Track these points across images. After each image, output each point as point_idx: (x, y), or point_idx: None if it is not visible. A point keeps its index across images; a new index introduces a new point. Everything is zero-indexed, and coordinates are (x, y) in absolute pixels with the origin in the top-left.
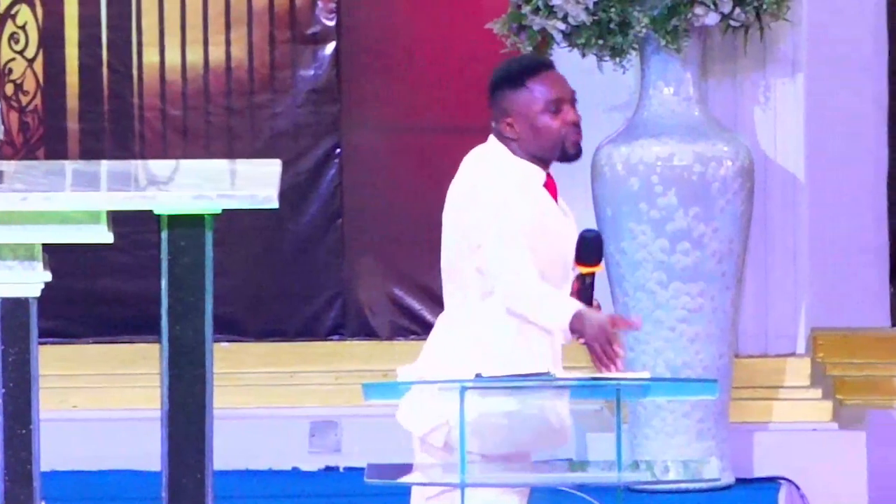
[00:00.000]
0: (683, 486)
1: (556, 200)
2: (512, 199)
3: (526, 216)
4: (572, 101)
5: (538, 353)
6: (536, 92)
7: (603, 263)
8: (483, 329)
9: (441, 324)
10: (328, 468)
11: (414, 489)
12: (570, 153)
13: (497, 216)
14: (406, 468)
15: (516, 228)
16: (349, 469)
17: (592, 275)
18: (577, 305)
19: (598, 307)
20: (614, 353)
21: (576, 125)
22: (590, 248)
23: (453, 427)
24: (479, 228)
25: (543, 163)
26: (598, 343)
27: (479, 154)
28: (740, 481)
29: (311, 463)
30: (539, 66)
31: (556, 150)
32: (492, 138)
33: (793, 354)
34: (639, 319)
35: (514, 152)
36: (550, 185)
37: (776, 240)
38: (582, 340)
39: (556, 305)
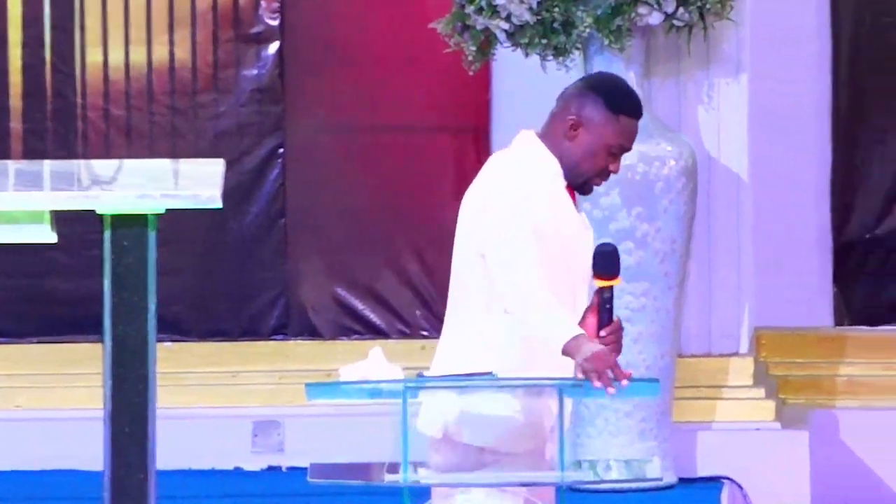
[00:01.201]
0: (626, 485)
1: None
2: (528, 201)
3: (542, 218)
4: (624, 154)
5: (544, 369)
6: (620, 129)
7: (621, 277)
8: (487, 342)
9: (445, 334)
10: (271, 468)
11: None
12: (585, 189)
13: (510, 218)
14: (348, 468)
15: (529, 232)
16: (292, 469)
17: (611, 289)
18: (579, 330)
19: (619, 323)
20: (608, 382)
21: (610, 175)
22: (607, 262)
23: (450, 421)
24: (489, 233)
25: (564, 175)
26: (593, 371)
27: (503, 154)
28: (683, 481)
29: (254, 463)
30: (638, 113)
31: (582, 177)
32: (525, 133)
33: (736, 354)
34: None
35: (552, 148)
36: (569, 191)
37: (719, 239)
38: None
39: (559, 322)
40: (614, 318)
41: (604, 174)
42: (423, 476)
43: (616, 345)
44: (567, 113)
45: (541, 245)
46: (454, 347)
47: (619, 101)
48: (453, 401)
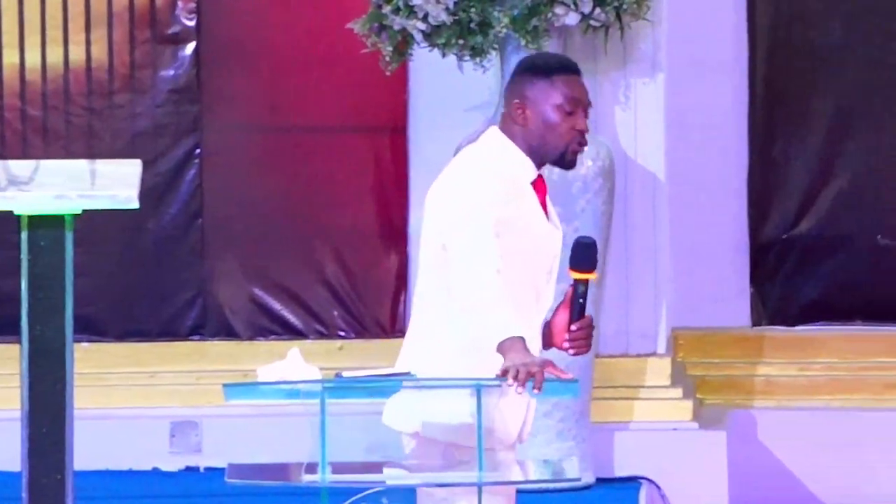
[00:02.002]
0: (544, 485)
1: (543, 204)
2: (489, 197)
3: (503, 214)
4: (586, 111)
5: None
6: (559, 88)
7: (597, 272)
8: (447, 337)
9: (411, 328)
10: (189, 468)
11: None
12: (567, 160)
13: (471, 214)
14: (267, 468)
15: (488, 228)
16: (210, 469)
17: (586, 283)
18: (517, 333)
19: (590, 320)
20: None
21: (582, 134)
22: (584, 254)
23: (424, 418)
24: (450, 228)
25: (537, 160)
26: (514, 370)
27: (470, 148)
28: (601, 481)
29: (172, 463)
30: (570, 68)
31: (555, 150)
32: (491, 129)
33: (653, 354)
34: (570, 375)
35: (513, 139)
36: (540, 186)
37: (637, 239)
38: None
39: (500, 322)
40: (587, 314)
41: (574, 138)
42: (341, 477)
43: (585, 341)
44: (511, 103)
45: (501, 241)
46: (417, 342)
47: (547, 65)
48: (427, 397)
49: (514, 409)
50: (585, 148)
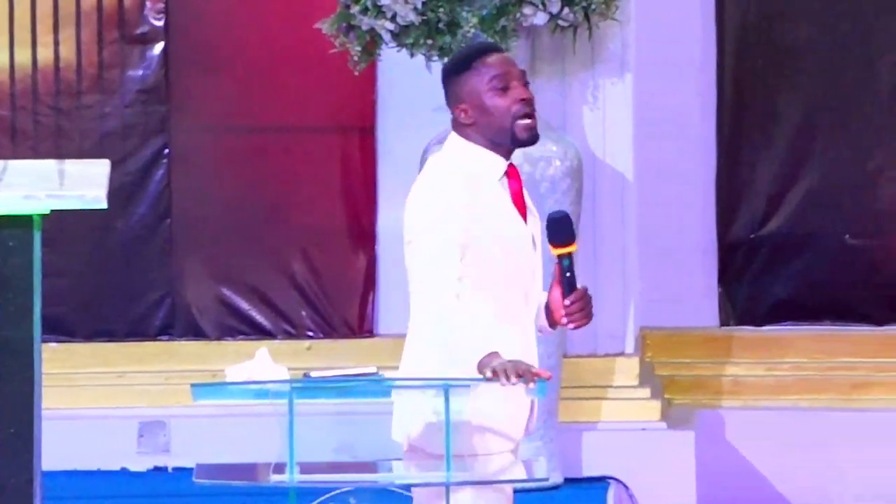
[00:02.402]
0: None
1: (518, 194)
2: (452, 213)
3: (472, 224)
4: (521, 80)
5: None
6: (482, 72)
7: (576, 244)
8: (429, 344)
9: (409, 328)
10: (157, 468)
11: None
12: (521, 138)
13: (431, 228)
14: (235, 468)
15: (450, 246)
16: (178, 469)
17: (569, 256)
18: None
19: (585, 290)
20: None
21: (526, 102)
22: (558, 228)
23: (412, 431)
24: (407, 243)
25: (503, 150)
26: (503, 370)
27: (437, 155)
28: (569, 481)
29: (140, 463)
30: (483, 48)
31: (508, 130)
32: (451, 133)
33: (621, 354)
34: (548, 374)
35: (471, 139)
36: (513, 175)
37: (605, 239)
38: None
39: (468, 346)
40: (578, 285)
41: (518, 109)
42: (309, 477)
43: (583, 312)
44: (453, 109)
45: (477, 250)
46: (407, 349)
47: (462, 60)
48: (416, 410)
49: (519, 407)
50: (533, 119)
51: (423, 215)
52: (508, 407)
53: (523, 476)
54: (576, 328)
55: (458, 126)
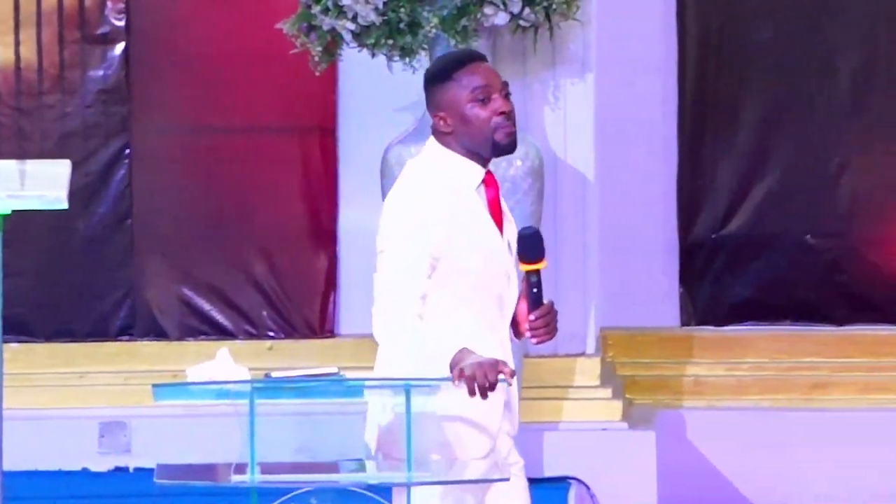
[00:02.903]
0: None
1: (497, 199)
2: (425, 226)
3: (444, 238)
4: (503, 92)
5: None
6: (463, 83)
7: (546, 260)
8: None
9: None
10: (118, 469)
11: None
12: (501, 144)
13: (403, 241)
14: (196, 468)
15: (418, 261)
16: (139, 469)
17: (537, 273)
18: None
19: (550, 306)
20: (495, 379)
21: (506, 115)
22: (528, 246)
23: (380, 436)
24: (384, 240)
25: (481, 159)
26: (479, 374)
27: (415, 160)
28: (530, 481)
29: (101, 463)
30: (466, 58)
31: (487, 141)
32: (430, 139)
33: (583, 354)
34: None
35: (450, 147)
36: (491, 184)
37: (566, 239)
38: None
39: (435, 354)
40: (545, 301)
41: (498, 121)
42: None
43: (547, 328)
44: (433, 117)
45: (451, 261)
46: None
47: (445, 69)
48: (381, 416)
49: (492, 403)
50: (514, 127)
51: (396, 226)
52: (482, 404)
53: (487, 476)
54: (538, 343)
55: (437, 133)
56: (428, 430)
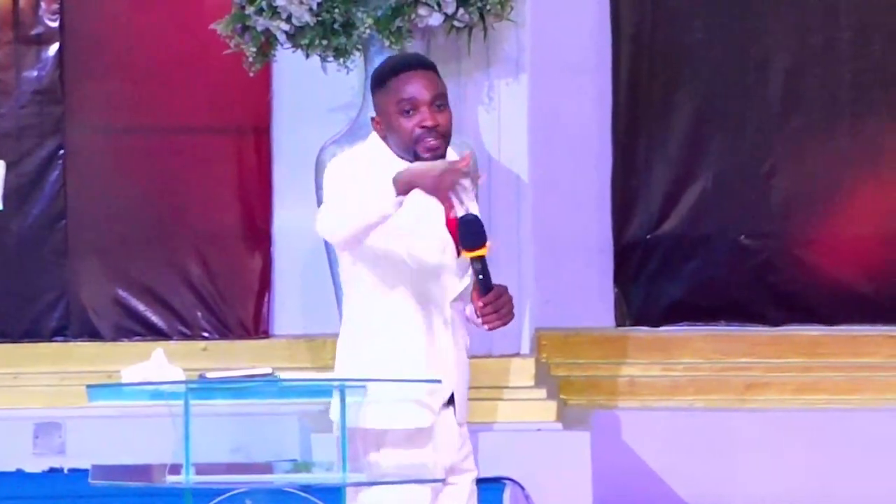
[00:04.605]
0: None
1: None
2: (363, 176)
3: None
4: (433, 104)
5: (413, 353)
6: (392, 92)
7: (488, 246)
8: (360, 329)
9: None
10: (52, 469)
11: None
12: (422, 157)
13: (340, 186)
14: (131, 469)
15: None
16: (73, 470)
17: (481, 258)
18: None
19: (498, 294)
20: (474, 179)
21: (429, 129)
22: (468, 232)
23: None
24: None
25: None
26: (446, 183)
27: (353, 148)
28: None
29: (35, 464)
30: (403, 66)
31: (409, 151)
32: (373, 135)
33: (517, 355)
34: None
35: (387, 144)
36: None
37: (500, 240)
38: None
39: (375, 194)
40: (496, 287)
41: (419, 134)
42: (205, 478)
43: (497, 314)
44: (372, 117)
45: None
46: (342, 343)
47: (382, 73)
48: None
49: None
50: (437, 141)
51: (335, 178)
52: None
53: (423, 476)
54: (490, 329)
55: (378, 134)
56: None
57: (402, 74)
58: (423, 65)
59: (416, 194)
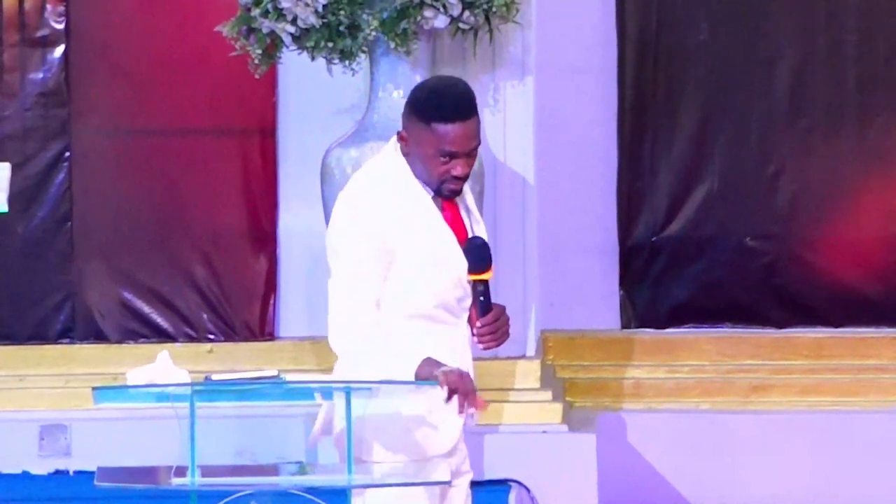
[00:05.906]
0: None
1: (453, 206)
2: (375, 229)
3: (394, 243)
4: (468, 155)
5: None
6: (436, 136)
7: (492, 271)
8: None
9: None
10: (58, 472)
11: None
12: (443, 195)
13: (355, 242)
14: (136, 471)
15: (371, 263)
16: (79, 472)
17: (484, 283)
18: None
19: (499, 313)
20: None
21: (458, 179)
22: (474, 257)
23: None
24: (337, 237)
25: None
26: (459, 390)
27: (373, 160)
28: (471, 484)
29: (41, 466)
30: (454, 115)
31: (433, 185)
32: (393, 140)
33: (523, 357)
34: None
35: (406, 157)
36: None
37: (506, 242)
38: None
39: (393, 364)
40: (496, 308)
41: (449, 179)
42: (211, 480)
43: (493, 335)
44: (399, 131)
45: (398, 267)
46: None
47: (427, 110)
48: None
49: (449, 417)
50: (460, 185)
51: (350, 227)
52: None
53: (427, 479)
54: (485, 349)
55: (400, 139)
56: (389, 432)
57: (451, 125)
58: (470, 113)
59: (436, 229)
